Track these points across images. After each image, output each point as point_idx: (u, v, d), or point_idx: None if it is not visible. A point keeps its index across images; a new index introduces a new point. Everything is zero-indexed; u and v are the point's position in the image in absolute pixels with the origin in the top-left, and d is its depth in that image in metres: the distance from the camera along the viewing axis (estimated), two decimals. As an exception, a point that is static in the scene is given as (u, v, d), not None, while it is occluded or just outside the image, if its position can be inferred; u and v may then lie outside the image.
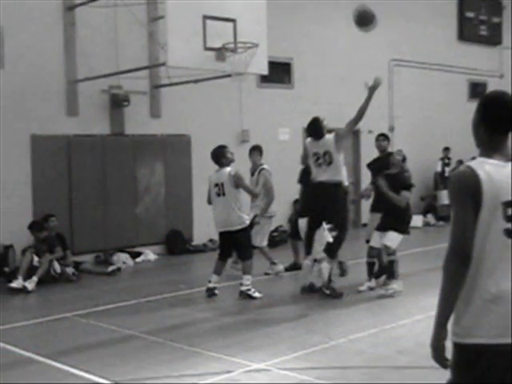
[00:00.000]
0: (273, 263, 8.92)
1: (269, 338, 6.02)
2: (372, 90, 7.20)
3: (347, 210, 7.92)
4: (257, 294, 7.49)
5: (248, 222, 7.70)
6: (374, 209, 8.02)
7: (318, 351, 5.57)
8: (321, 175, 7.26)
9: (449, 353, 2.50)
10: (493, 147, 2.46)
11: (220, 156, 7.60)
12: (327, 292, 7.38)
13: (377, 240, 7.56)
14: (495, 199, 2.36)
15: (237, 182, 7.50)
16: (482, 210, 2.36)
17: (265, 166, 8.82)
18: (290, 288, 8.13)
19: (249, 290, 7.50)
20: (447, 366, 2.47)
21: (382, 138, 8.28)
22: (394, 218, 7.41)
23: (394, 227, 7.39)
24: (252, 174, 8.80)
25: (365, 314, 6.89)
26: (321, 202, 7.25)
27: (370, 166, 8.36)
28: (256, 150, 8.97)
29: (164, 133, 11.02)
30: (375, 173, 7.88)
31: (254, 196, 8.10)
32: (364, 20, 7.05)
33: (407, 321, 6.50)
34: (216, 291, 7.67)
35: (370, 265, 7.78)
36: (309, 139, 7.49)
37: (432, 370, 4.97)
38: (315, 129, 7.33)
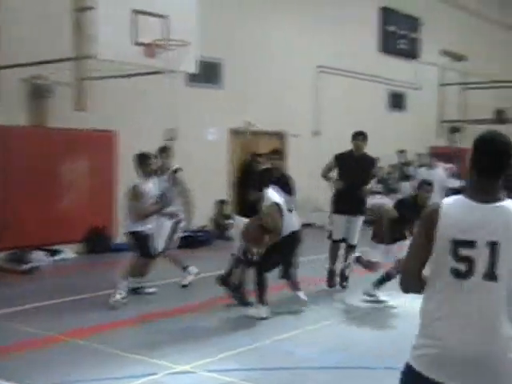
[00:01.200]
0: (184, 268, 8.19)
1: (193, 340, 5.95)
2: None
3: None
4: (118, 296, 7.03)
5: (134, 229, 7.34)
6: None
7: (244, 353, 5.57)
8: None
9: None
10: (478, 189, 2.41)
11: (136, 165, 7.43)
12: (233, 294, 7.22)
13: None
14: (446, 235, 2.34)
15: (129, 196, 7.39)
16: (435, 243, 2.37)
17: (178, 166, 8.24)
18: (213, 292, 7.90)
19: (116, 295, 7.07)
20: None
21: (362, 137, 8.11)
22: None
23: None
24: (162, 175, 8.02)
25: (288, 316, 6.91)
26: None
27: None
28: (168, 151, 8.26)
29: (89, 127, 10.71)
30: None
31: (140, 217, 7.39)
32: None
33: (330, 322, 6.61)
34: (145, 290, 7.66)
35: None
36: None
37: (357, 369, 5.13)
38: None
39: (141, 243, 7.41)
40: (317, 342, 5.89)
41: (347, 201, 7.81)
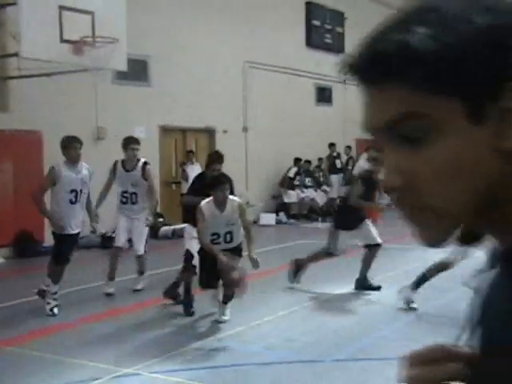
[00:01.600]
0: (141, 273, 7.97)
1: (136, 341, 5.87)
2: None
3: None
4: (55, 311, 6.79)
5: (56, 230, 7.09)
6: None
7: (188, 352, 5.54)
8: None
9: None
10: None
11: (61, 149, 6.93)
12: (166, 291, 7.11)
13: None
14: None
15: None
16: None
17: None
18: (154, 292, 7.71)
19: (49, 303, 6.80)
20: None
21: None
22: None
23: None
24: (129, 170, 7.67)
25: (230, 313, 6.91)
26: None
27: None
28: (138, 142, 7.80)
29: (13, 128, 10.33)
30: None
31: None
32: None
33: (272, 317, 6.66)
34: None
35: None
36: None
37: (302, 363, 5.21)
38: None
39: (56, 244, 7.16)
40: (261, 338, 5.94)
41: (353, 218, 7.73)
